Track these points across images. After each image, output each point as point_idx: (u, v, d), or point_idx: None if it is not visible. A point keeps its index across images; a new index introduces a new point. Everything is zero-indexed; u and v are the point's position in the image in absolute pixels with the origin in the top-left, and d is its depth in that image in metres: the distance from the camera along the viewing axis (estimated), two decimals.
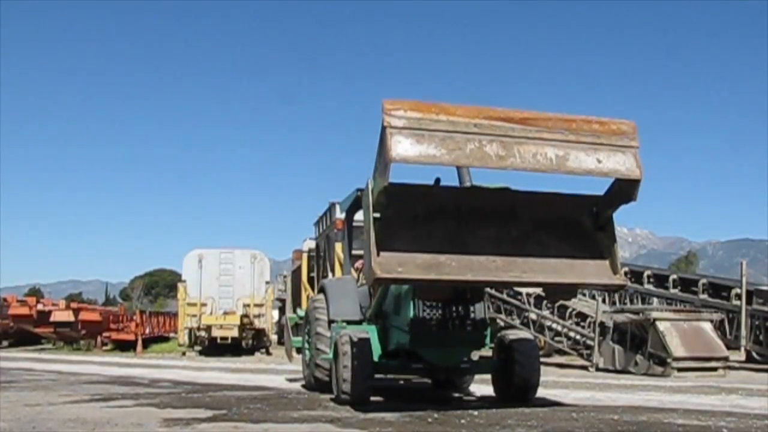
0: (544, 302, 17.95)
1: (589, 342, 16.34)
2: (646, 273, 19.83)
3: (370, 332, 8.55)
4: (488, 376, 8.88)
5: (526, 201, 7.31)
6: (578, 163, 6.64)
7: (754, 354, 16.48)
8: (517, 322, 18.54)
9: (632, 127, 6.89)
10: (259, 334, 23.74)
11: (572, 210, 7.37)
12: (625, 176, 6.79)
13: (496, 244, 7.05)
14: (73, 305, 27.80)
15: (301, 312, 11.47)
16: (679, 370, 13.80)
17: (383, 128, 6.30)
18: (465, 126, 6.45)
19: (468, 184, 8.86)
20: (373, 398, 8.19)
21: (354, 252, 10.01)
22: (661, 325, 14.31)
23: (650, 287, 19.59)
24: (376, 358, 8.32)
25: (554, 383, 11.22)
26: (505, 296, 19.01)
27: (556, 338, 18.14)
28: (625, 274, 20.83)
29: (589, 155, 6.69)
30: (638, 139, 6.85)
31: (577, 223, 7.35)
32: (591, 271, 7.26)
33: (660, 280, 19.52)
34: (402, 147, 6.26)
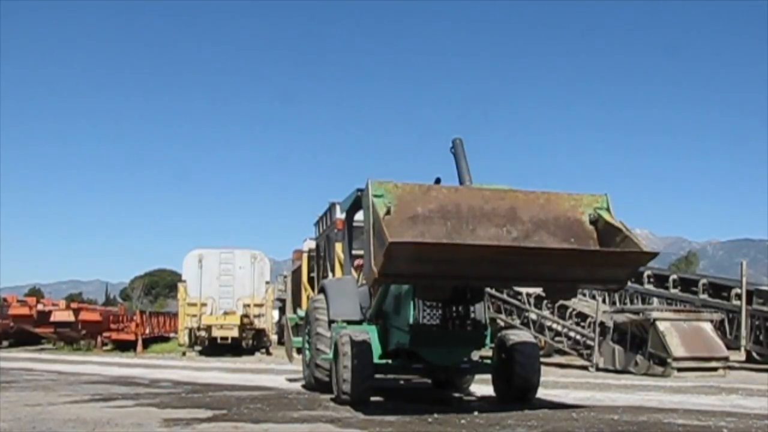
0: (544, 302, 17.96)
1: (589, 342, 16.35)
2: (646, 273, 19.81)
3: (370, 332, 8.55)
4: (488, 376, 8.88)
5: (527, 201, 7.32)
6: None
7: (754, 354, 16.49)
8: (517, 322, 18.54)
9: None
10: (260, 334, 23.73)
11: (572, 210, 7.39)
12: None
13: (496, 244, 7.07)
14: (73, 305, 27.77)
15: (301, 312, 11.48)
16: (679, 370, 13.80)
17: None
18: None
19: (468, 183, 8.86)
20: (373, 398, 8.19)
21: (354, 252, 10.02)
22: (661, 325, 14.31)
23: (650, 287, 19.58)
24: (376, 358, 8.32)
25: (554, 383, 11.22)
26: (505, 296, 19.01)
27: (556, 338, 18.14)
28: None
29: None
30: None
31: (577, 222, 7.37)
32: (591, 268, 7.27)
33: (660, 280, 19.51)
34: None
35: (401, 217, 6.94)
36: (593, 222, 7.38)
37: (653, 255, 7.17)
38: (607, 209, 7.43)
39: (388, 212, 6.87)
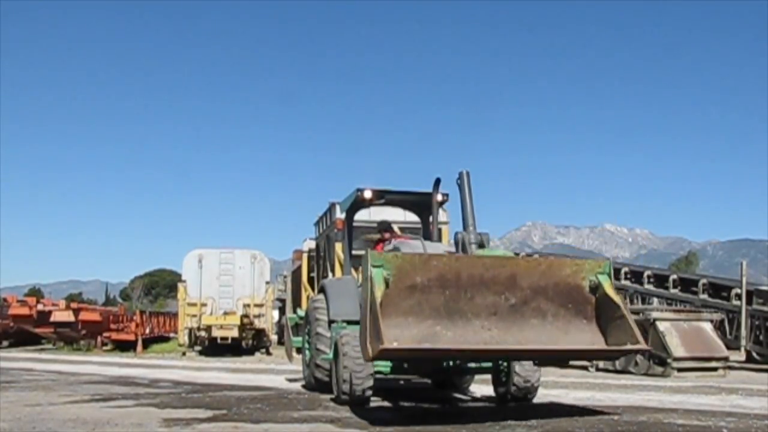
0: None
1: None
2: (646, 273, 19.82)
3: None
4: (488, 376, 8.89)
5: (528, 268, 7.24)
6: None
7: (754, 354, 16.50)
8: None
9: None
10: (260, 334, 23.71)
11: (573, 276, 7.29)
12: None
13: (493, 311, 6.99)
14: (73, 305, 27.72)
15: (301, 312, 11.46)
16: (679, 370, 13.80)
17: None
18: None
19: (471, 227, 8.70)
20: (373, 398, 8.20)
21: (354, 252, 10.00)
22: (661, 325, 14.31)
23: (650, 287, 19.59)
24: None
25: (554, 383, 11.21)
26: None
27: None
28: (625, 274, 20.87)
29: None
30: None
31: (577, 288, 7.27)
32: (587, 338, 7.17)
33: (660, 280, 19.52)
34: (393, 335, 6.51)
35: (399, 287, 6.82)
36: (593, 289, 7.30)
37: (643, 350, 7.44)
38: (608, 275, 7.35)
39: (387, 284, 6.76)
